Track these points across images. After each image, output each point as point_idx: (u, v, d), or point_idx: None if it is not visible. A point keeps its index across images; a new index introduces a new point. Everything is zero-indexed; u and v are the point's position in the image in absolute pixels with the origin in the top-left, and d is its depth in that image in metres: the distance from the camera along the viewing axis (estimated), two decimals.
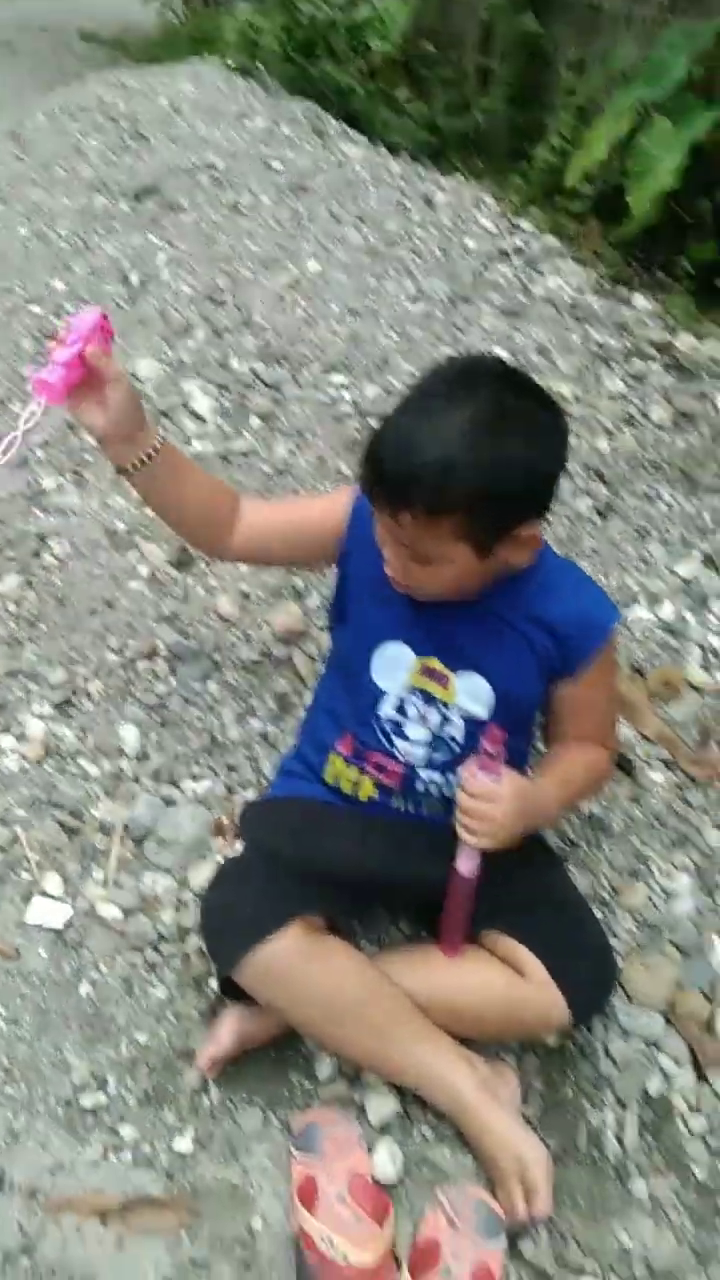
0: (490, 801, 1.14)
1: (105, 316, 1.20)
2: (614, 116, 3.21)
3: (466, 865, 1.18)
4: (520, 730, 1.28)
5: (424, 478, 1.06)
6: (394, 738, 1.26)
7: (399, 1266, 1.09)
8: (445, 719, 1.25)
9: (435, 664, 1.24)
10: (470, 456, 1.06)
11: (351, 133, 3.48)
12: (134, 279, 2.54)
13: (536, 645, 1.22)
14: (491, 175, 4.55)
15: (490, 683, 1.23)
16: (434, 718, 1.25)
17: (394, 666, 1.25)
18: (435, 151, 4.62)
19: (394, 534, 1.13)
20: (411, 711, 1.25)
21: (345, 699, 1.30)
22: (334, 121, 3.47)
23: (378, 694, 1.26)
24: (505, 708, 1.24)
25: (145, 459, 1.26)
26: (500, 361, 1.23)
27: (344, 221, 2.68)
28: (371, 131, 3.91)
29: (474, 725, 1.24)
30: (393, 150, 3.65)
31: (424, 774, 1.26)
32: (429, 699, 1.25)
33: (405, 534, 1.11)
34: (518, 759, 1.30)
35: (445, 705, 1.24)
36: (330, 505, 1.33)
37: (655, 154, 2.79)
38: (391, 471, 1.08)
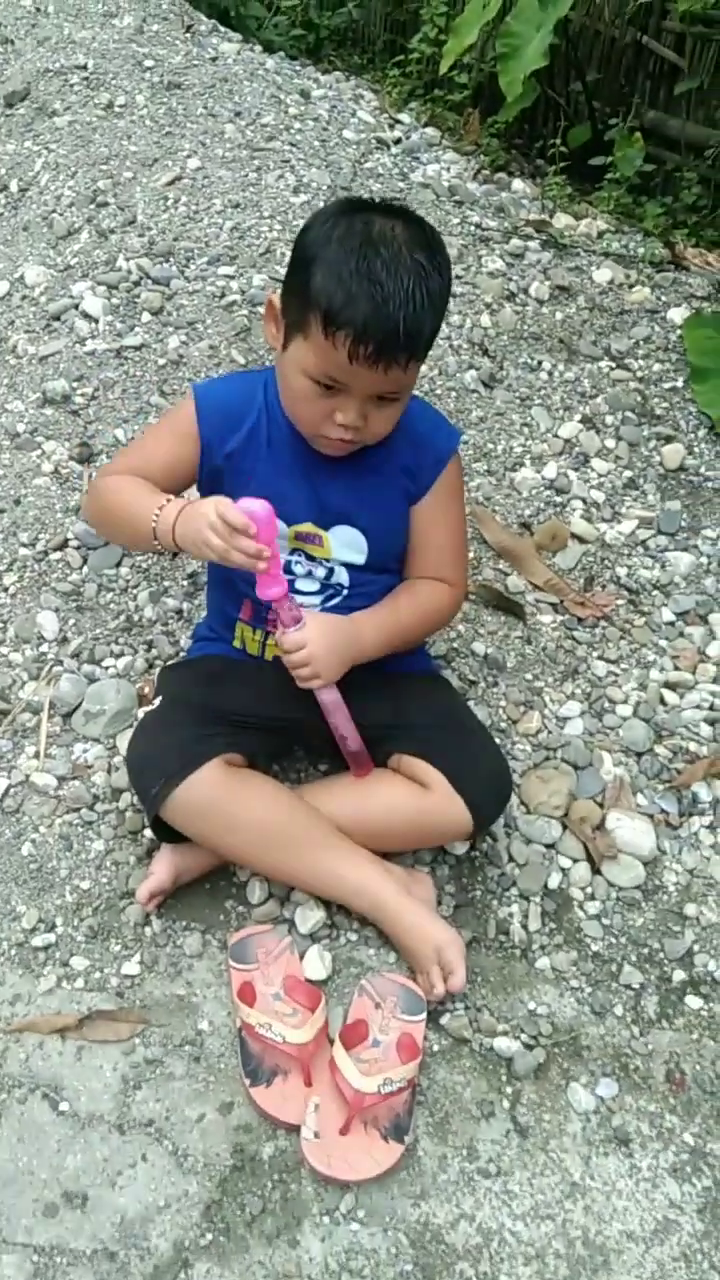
0: (301, 648, 1.24)
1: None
2: (482, 0, 3.22)
3: (324, 695, 1.30)
4: (396, 570, 1.39)
5: (428, 323, 1.15)
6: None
7: (332, 1044, 1.22)
8: (330, 570, 1.35)
9: (307, 528, 1.33)
10: (441, 286, 1.16)
11: (223, 30, 3.42)
12: (13, 186, 2.52)
13: (398, 482, 1.33)
14: (370, 70, 4.52)
15: (362, 530, 1.33)
16: (319, 571, 1.35)
17: None
18: (311, 49, 4.56)
19: (371, 385, 1.17)
20: (298, 569, 1.35)
21: (236, 572, 1.37)
22: (205, 19, 3.41)
23: None
24: (381, 549, 1.35)
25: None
26: (363, 198, 1.30)
27: (221, 117, 2.67)
28: (245, 29, 3.84)
29: (355, 571, 1.34)
30: (269, 49, 3.60)
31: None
32: (310, 558, 1.34)
33: (393, 380, 1.17)
34: None
35: (325, 560, 1.34)
36: (177, 430, 1.34)
37: (522, 34, 2.82)
38: (400, 332, 1.12)
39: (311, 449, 1.28)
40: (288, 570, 1.35)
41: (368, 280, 1.11)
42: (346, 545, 1.34)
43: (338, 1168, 1.12)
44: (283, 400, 1.28)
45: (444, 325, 2.14)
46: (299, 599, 1.35)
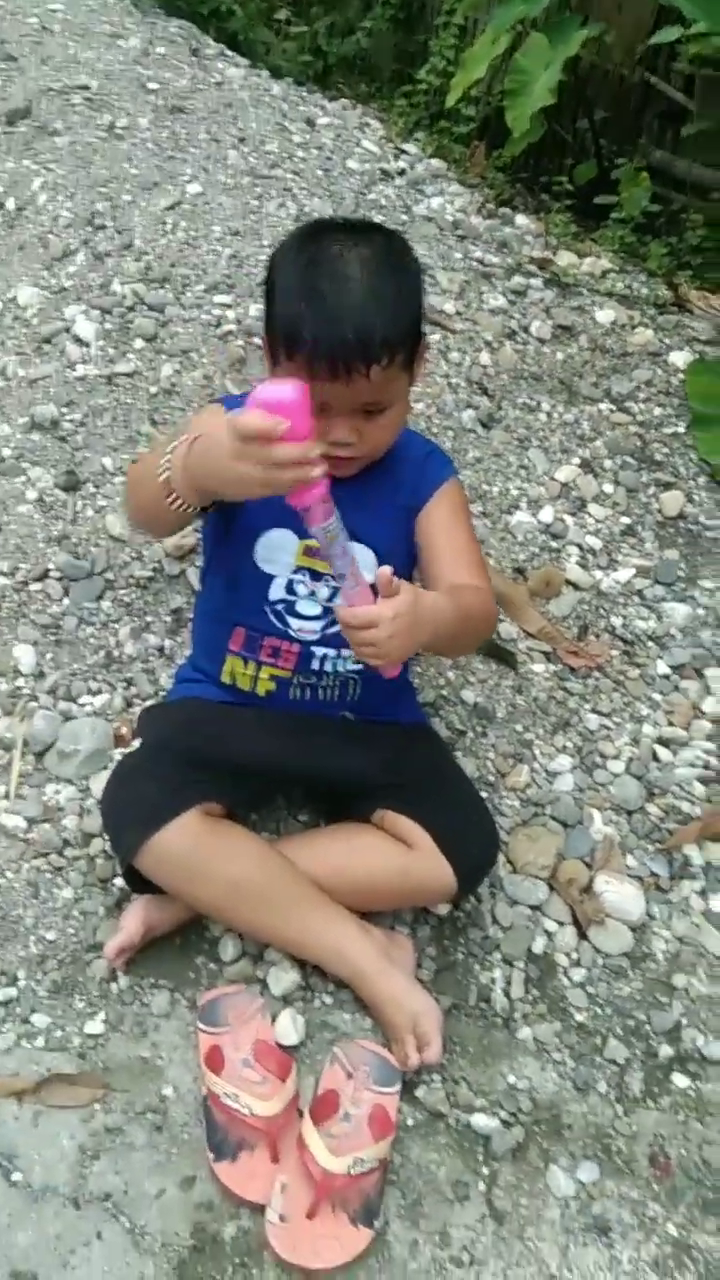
0: (374, 626, 1.04)
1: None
2: (493, 35, 3.21)
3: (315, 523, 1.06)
4: None
5: (379, 328, 1.13)
6: (287, 617, 1.31)
7: (301, 1117, 1.17)
8: (333, 593, 1.30)
9: (317, 543, 1.28)
10: (398, 289, 1.16)
11: (231, 54, 3.41)
12: (9, 205, 2.48)
13: (401, 498, 1.32)
14: (377, 99, 4.52)
15: (372, 547, 1.30)
16: (323, 591, 1.31)
17: (278, 551, 1.30)
18: (318, 75, 4.56)
19: (349, 399, 1.17)
20: (300, 589, 1.31)
21: (232, 595, 1.34)
22: (213, 43, 3.40)
23: (265, 579, 1.31)
24: (389, 565, 1.30)
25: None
26: (328, 219, 1.30)
27: (224, 143, 2.65)
28: (252, 54, 3.83)
29: None
30: (276, 75, 3.58)
31: (319, 651, 1.32)
32: (316, 575, 1.31)
33: (367, 390, 1.16)
34: None
35: (329, 579, 1.30)
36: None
37: (531, 71, 2.82)
38: (351, 339, 1.12)
39: None
40: (290, 590, 1.31)
41: (311, 297, 1.13)
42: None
43: (304, 1255, 1.06)
44: None
45: (443, 361, 2.11)
46: (296, 623, 1.30)
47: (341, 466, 1.24)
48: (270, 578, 1.31)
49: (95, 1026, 1.25)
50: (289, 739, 1.33)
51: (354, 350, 1.13)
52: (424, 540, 1.33)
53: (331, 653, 1.32)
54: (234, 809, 1.32)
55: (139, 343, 2.06)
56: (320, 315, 1.13)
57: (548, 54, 2.94)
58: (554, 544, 1.87)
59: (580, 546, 1.87)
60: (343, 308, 1.13)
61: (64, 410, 1.96)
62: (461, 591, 1.25)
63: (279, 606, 1.31)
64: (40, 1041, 1.24)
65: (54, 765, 1.51)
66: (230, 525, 1.31)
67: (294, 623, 1.32)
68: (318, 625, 1.32)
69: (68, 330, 2.10)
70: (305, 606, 1.32)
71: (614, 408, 2.12)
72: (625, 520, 1.92)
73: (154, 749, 1.34)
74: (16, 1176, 1.12)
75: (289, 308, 1.16)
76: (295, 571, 1.31)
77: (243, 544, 1.30)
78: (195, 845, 1.23)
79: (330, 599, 1.31)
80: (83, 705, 1.58)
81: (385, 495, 1.31)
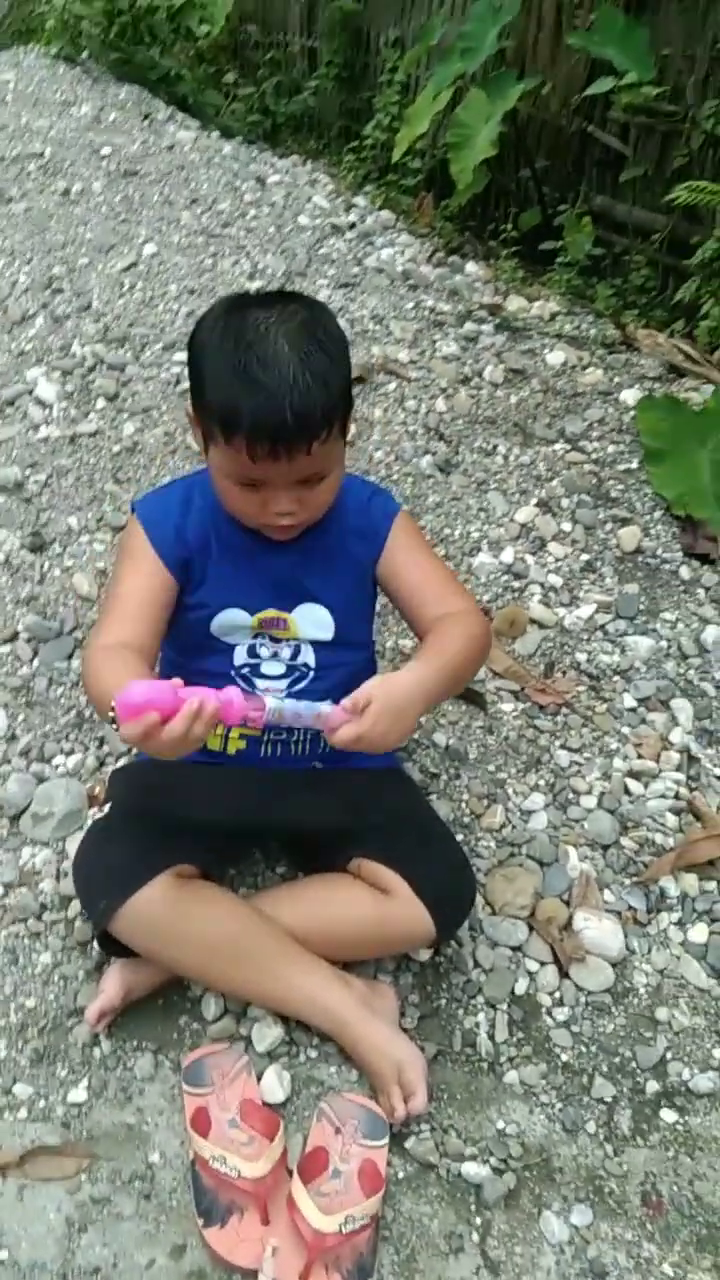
0: (363, 740, 1.10)
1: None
2: (433, 91, 3.32)
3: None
4: (364, 643, 1.37)
5: (318, 405, 1.11)
6: (253, 679, 1.32)
7: (291, 1176, 1.15)
8: (296, 650, 1.32)
9: (270, 614, 1.30)
10: (328, 362, 1.13)
11: (181, 117, 3.49)
12: None
13: (351, 549, 1.32)
14: (325, 155, 4.63)
15: (326, 606, 1.31)
16: (285, 652, 1.32)
17: (233, 626, 1.31)
18: (268, 134, 4.66)
19: (290, 475, 1.16)
20: (264, 651, 1.32)
21: (195, 663, 1.34)
22: (164, 106, 3.48)
23: (227, 648, 1.32)
24: (347, 623, 1.33)
25: None
26: (244, 294, 1.28)
27: (177, 204, 2.70)
28: (202, 116, 3.92)
29: (322, 649, 1.32)
30: (226, 135, 3.67)
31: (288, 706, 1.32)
32: (275, 639, 1.31)
33: (308, 464, 1.15)
34: (367, 669, 1.38)
35: (290, 641, 1.31)
36: (136, 560, 1.29)
37: (472, 125, 2.91)
38: (290, 422, 1.10)
39: (260, 535, 1.27)
40: (253, 654, 1.32)
41: (245, 380, 1.10)
42: (313, 623, 1.32)
43: None
44: (220, 500, 1.26)
45: (399, 409, 2.15)
46: (263, 684, 1.31)
47: (284, 533, 1.24)
48: (231, 647, 1.32)
49: (79, 1094, 1.23)
50: (259, 794, 1.34)
51: (293, 432, 1.11)
52: (394, 584, 1.34)
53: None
54: (208, 868, 1.31)
55: (100, 402, 2.09)
56: (256, 400, 1.10)
57: (487, 108, 3.04)
58: (516, 584, 1.90)
59: (542, 585, 1.90)
60: (280, 392, 1.09)
61: (28, 471, 1.97)
62: (443, 632, 1.27)
63: (244, 670, 1.32)
64: (23, 1113, 1.22)
65: (29, 829, 1.51)
66: (186, 612, 1.31)
67: (260, 683, 1.32)
68: (284, 684, 1.32)
69: (30, 393, 2.12)
70: (270, 667, 1.32)
71: (569, 447, 2.16)
72: (585, 557, 1.96)
73: (124, 813, 1.33)
74: (3, 1254, 1.10)
75: (222, 393, 1.12)
76: (255, 637, 1.31)
77: (198, 623, 1.31)
78: (168, 909, 1.22)
79: (293, 658, 1.32)
80: (55, 766, 1.58)
81: (336, 551, 1.31)
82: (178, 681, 1.04)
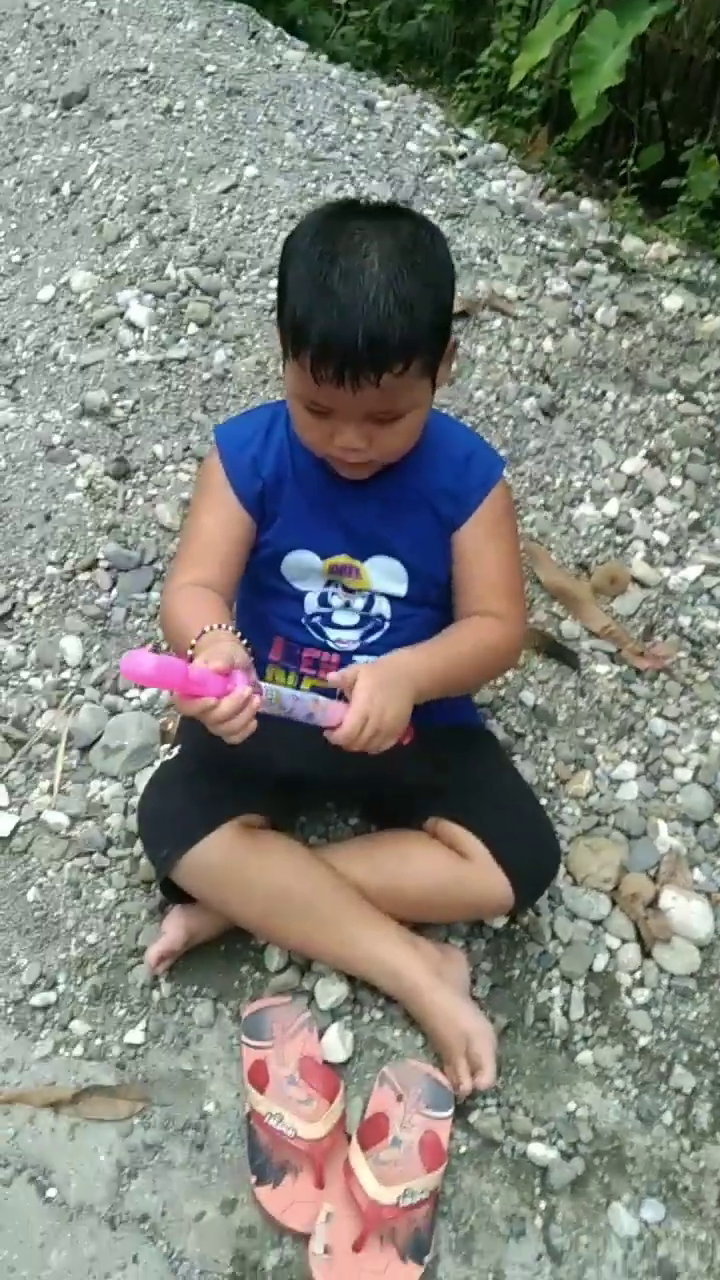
0: (359, 731, 1.05)
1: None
2: (558, 14, 3.12)
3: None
4: (441, 604, 1.27)
5: (395, 333, 1.01)
6: (325, 629, 1.25)
7: (349, 1140, 1.11)
8: (370, 601, 1.24)
9: (343, 559, 1.22)
10: (415, 289, 1.03)
11: (289, 38, 3.35)
12: (65, 189, 2.45)
13: (438, 508, 1.21)
14: (437, 84, 4.43)
15: (401, 560, 1.23)
16: (358, 603, 1.24)
17: (305, 570, 1.23)
18: (378, 60, 4.48)
19: (356, 407, 1.07)
20: (335, 600, 1.24)
21: (268, 606, 1.27)
22: (271, 26, 3.34)
23: (298, 595, 1.25)
24: (422, 580, 1.24)
25: None
26: (353, 201, 1.17)
27: (281, 125, 2.59)
28: (311, 40, 3.77)
29: (397, 602, 1.24)
30: (334, 60, 3.51)
31: (360, 660, 1.25)
32: (348, 588, 1.24)
33: (378, 397, 1.05)
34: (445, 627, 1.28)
35: (364, 592, 1.24)
36: (213, 493, 1.23)
37: (598, 49, 2.72)
38: (360, 346, 1.01)
39: (339, 476, 1.18)
40: (324, 603, 1.25)
41: (320, 291, 1.02)
42: (386, 575, 1.24)
43: None
44: (294, 427, 1.18)
45: (504, 348, 2.03)
46: (335, 634, 1.24)
47: (352, 470, 1.16)
48: (303, 593, 1.25)
49: (136, 1036, 1.20)
50: (331, 747, 1.27)
51: (362, 358, 1.01)
52: (458, 560, 1.24)
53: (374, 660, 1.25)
54: (276, 818, 1.26)
55: (192, 328, 2.02)
56: (329, 316, 1.01)
57: (616, 32, 2.84)
58: (619, 539, 1.79)
59: (647, 542, 1.78)
60: (354, 310, 1.00)
61: (115, 396, 1.92)
62: (460, 628, 1.22)
63: (315, 619, 1.25)
64: (79, 1049, 1.19)
65: (99, 761, 1.47)
66: (257, 550, 1.25)
67: (332, 634, 1.25)
68: (356, 635, 1.25)
69: (121, 315, 2.06)
70: (342, 617, 1.25)
71: (682, 398, 2.02)
72: (694, 515, 1.83)
73: (191, 758, 1.28)
74: (52, 1193, 1.08)
75: (296, 301, 1.04)
76: (327, 585, 1.24)
77: (271, 564, 1.24)
78: (232, 860, 1.17)
79: (367, 608, 1.24)
80: (129, 699, 1.54)
81: (419, 505, 1.21)
82: (198, 665, 0.97)
